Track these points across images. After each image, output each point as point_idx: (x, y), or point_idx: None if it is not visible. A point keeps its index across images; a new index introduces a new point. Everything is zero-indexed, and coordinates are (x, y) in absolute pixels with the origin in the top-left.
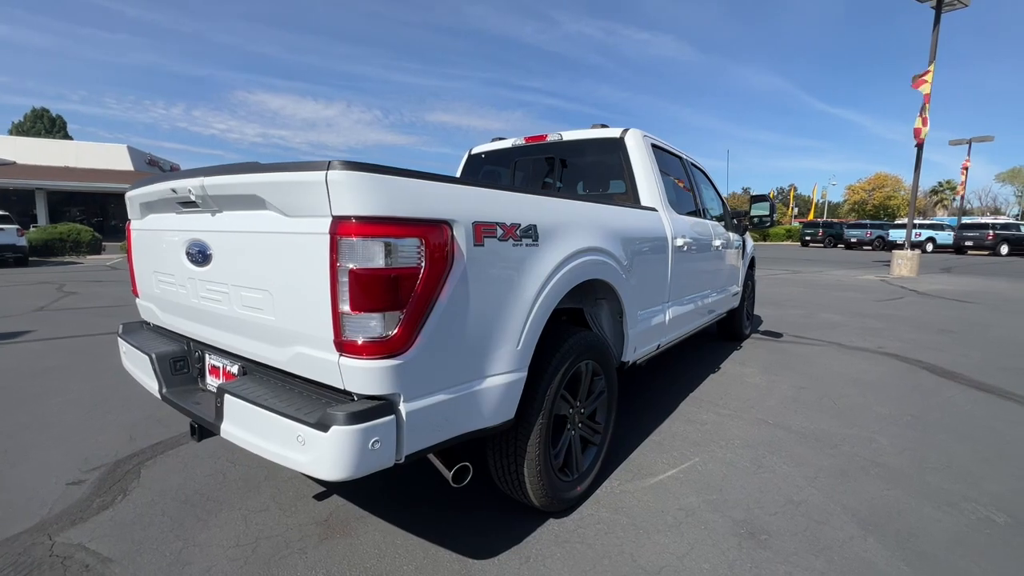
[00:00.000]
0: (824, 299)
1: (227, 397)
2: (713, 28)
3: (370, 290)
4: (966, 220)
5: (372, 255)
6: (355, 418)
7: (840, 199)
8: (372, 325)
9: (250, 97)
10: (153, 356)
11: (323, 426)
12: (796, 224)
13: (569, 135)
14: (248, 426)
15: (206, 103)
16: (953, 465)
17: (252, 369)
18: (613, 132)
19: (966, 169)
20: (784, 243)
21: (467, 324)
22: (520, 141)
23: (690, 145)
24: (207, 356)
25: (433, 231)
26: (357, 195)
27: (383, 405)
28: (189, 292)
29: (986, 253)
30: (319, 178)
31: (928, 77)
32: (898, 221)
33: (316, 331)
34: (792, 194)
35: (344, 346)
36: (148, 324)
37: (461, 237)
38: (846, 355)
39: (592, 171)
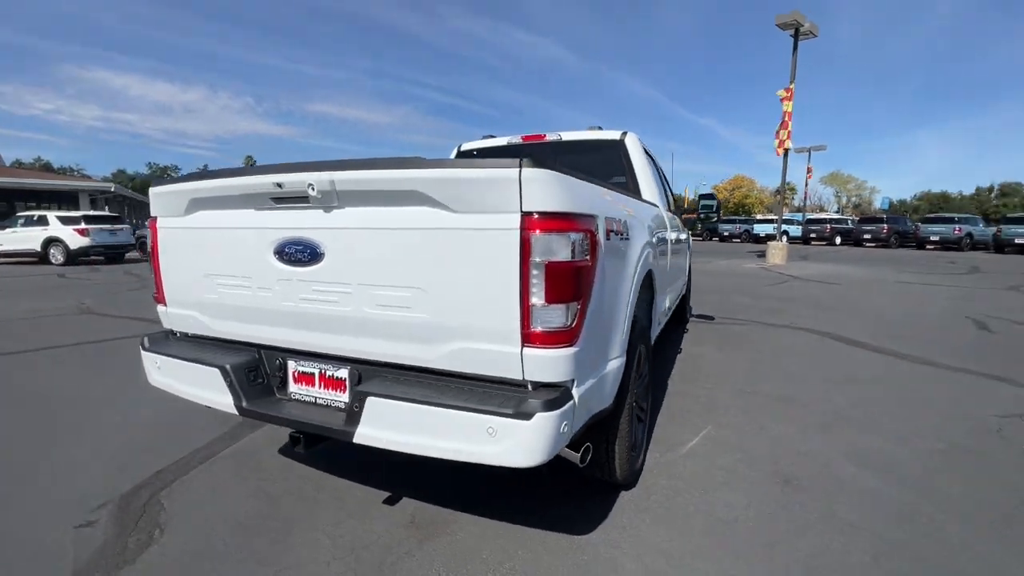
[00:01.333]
0: (727, 284)
1: (371, 400)
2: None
3: (560, 282)
4: (809, 216)
5: (560, 249)
6: (552, 405)
7: None
8: (558, 316)
9: (84, 73)
10: (228, 367)
11: (525, 415)
12: None
13: (569, 135)
14: (402, 426)
15: (20, 77)
16: (896, 413)
17: (370, 371)
18: (613, 134)
19: (810, 172)
20: None
21: (603, 313)
22: (516, 139)
23: None
24: (290, 363)
25: (592, 226)
26: (544, 192)
27: (565, 392)
28: (278, 295)
29: (825, 243)
30: (512, 175)
31: (789, 96)
32: (758, 217)
33: (494, 324)
34: None
35: (531, 337)
36: (178, 334)
37: (600, 233)
38: (772, 331)
39: (593, 171)
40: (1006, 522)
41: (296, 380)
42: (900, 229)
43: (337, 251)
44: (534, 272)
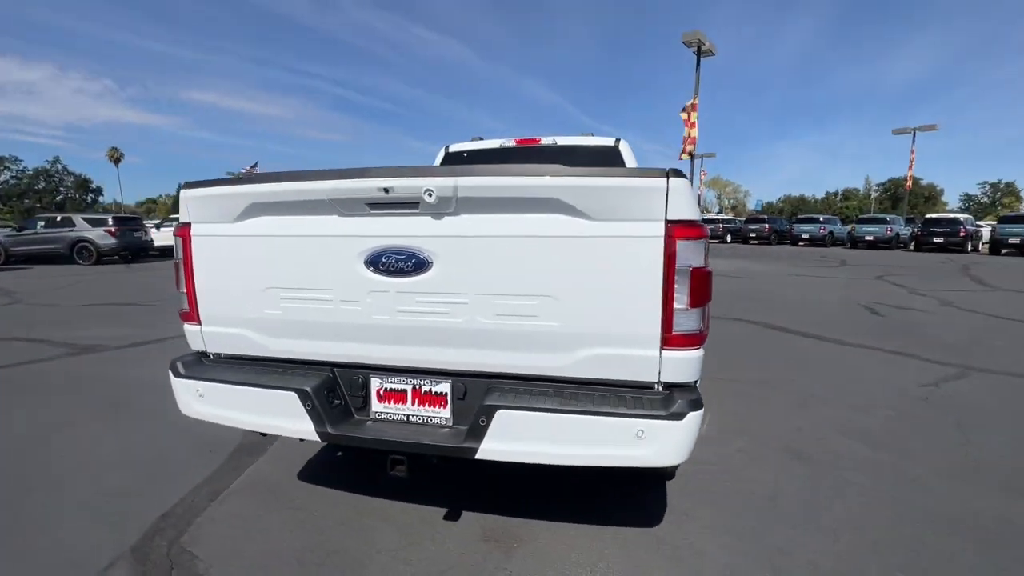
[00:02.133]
0: None
1: (501, 413)
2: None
3: (700, 287)
4: (704, 217)
5: (697, 255)
6: (697, 404)
7: None
8: (695, 319)
9: None
10: (309, 390)
11: (678, 415)
12: None
13: (564, 140)
14: (535, 437)
15: None
16: (847, 389)
17: (477, 384)
18: (607, 140)
19: (704, 175)
20: None
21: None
22: (509, 142)
23: None
24: (374, 380)
25: (707, 232)
26: (684, 201)
27: (695, 390)
28: (368, 307)
29: (717, 240)
30: (660, 184)
31: (694, 108)
32: None
33: (632, 329)
34: None
35: (671, 341)
36: (212, 356)
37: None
38: (714, 323)
39: None
40: (962, 467)
41: (381, 398)
42: (778, 228)
43: (449, 260)
44: (678, 278)
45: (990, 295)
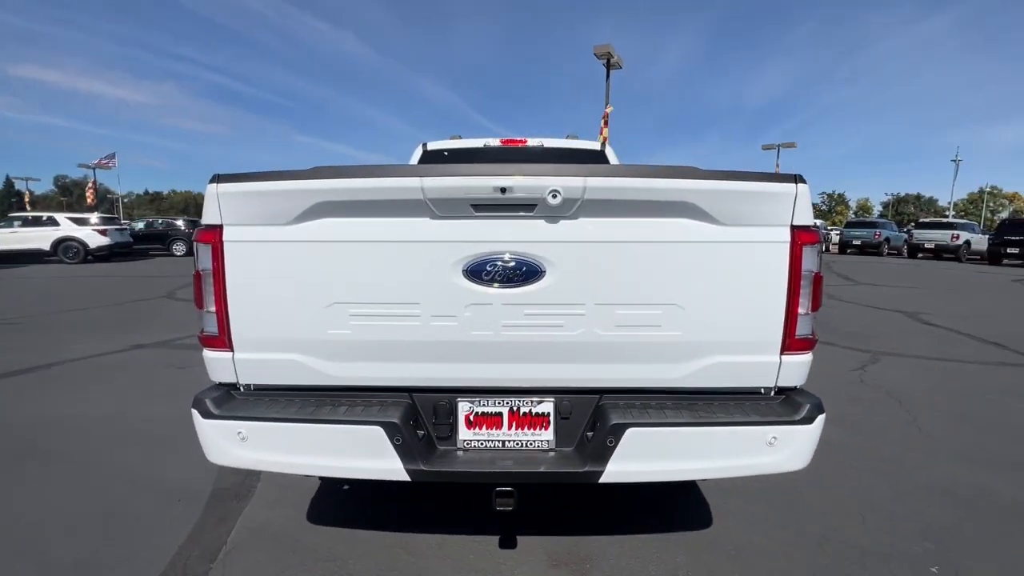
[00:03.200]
0: None
1: (631, 432)
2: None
3: (818, 291)
4: None
5: (816, 260)
6: (820, 408)
7: None
8: (812, 323)
9: None
10: (397, 423)
11: (808, 420)
12: None
13: (550, 142)
14: (664, 454)
15: None
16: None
17: (582, 401)
18: (594, 144)
19: None
20: None
21: None
22: (493, 142)
23: (380, 146)
24: (462, 404)
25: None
26: (807, 207)
27: (809, 394)
28: (467, 323)
29: None
30: (789, 190)
31: (609, 109)
32: None
33: (755, 335)
34: None
35: (792, 345)
36: (243, 388)
37: None
38: None
39: None
40: (921, 443)
41: (471, 424)
42: None
43: (566, 268)
44: (804, 283)
45: (858, 288)
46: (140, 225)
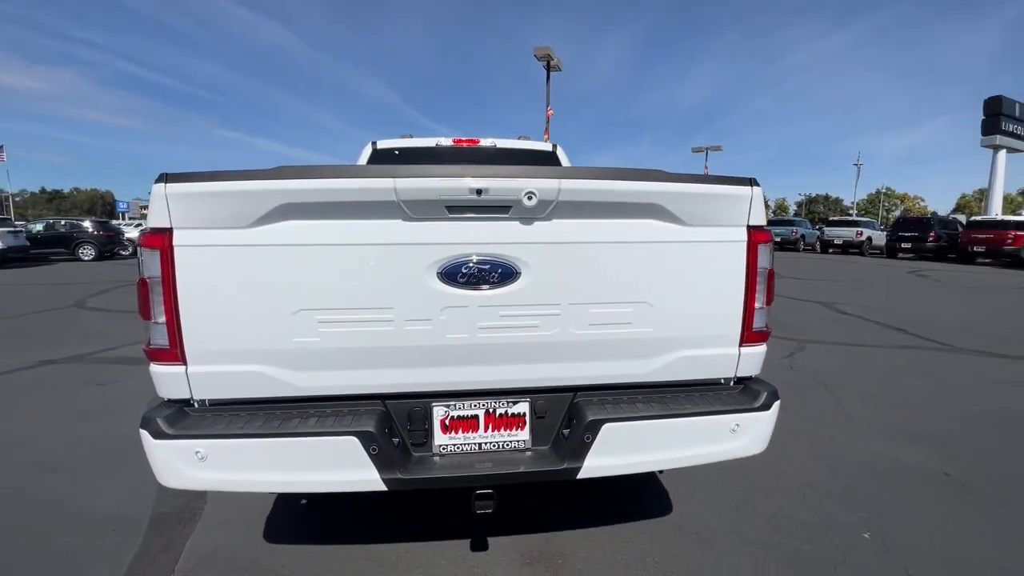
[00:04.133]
0: None
1: (607, 427)
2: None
3: (772, 286)
4: None
5: (769, 257)
6: (775, 394)
7: None
8: (766, 316)
9: None
10: (373, 431)
11: (766, 406)
12: None
13: (503, 143)
14: (637, 447)
15: None
16: None
17: (554, 400)
18: (546, 145)
19: None
20: None
21: None
22: (445, 141)
23: (313, 142)
24: (437, 409)
25: None
26: (760, 207)
27: (763, 382)
28: (442, 326)
29: None
30: (747, 192)
31: (551, 112)
32: None
33: (717, 329)
34: None
35: (749, 338)
36: (197, 404)
37: None
38: None
39: None
40: (845, 422)
41: (447, 429)
42: None
43: (540, 268)
44: (759, 279)
45: (781, 282)
46: (38, 227)
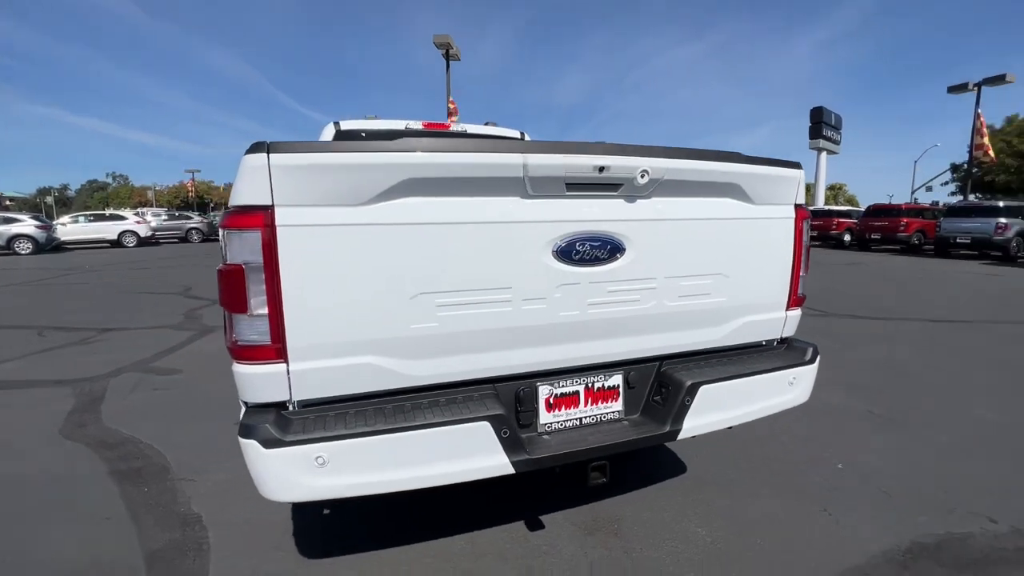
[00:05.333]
0: None
1: (703, 389)
2: None
3: (809, 258)
4: None
5: (808, 232)
6: (817, 349)
7: None
8: (803, 284)
9: None
10: (504, 413)
11: (812, 360)
12: None
13: (472, 128)
14: (722, 405)
15: None
16: None
17: (643, 369)
18: (514, 132)
19: None
20: None
21: None
22: (415, 124)
23: (142, 120)
24: (542, 388)
25: None
26: (802, 188)
27: (799, 340)
28: (556, 304)
29: None
30: (796, 175)
31: (453, 105)
32: None
33: (772, 296)
34: None
35: (793, 303)
36: (292, 406)
37: None
38: None
39: None
40: None
41: (551, 407)
42: None
43: (642, 245)
44: (803, 251)
45: None
46: None
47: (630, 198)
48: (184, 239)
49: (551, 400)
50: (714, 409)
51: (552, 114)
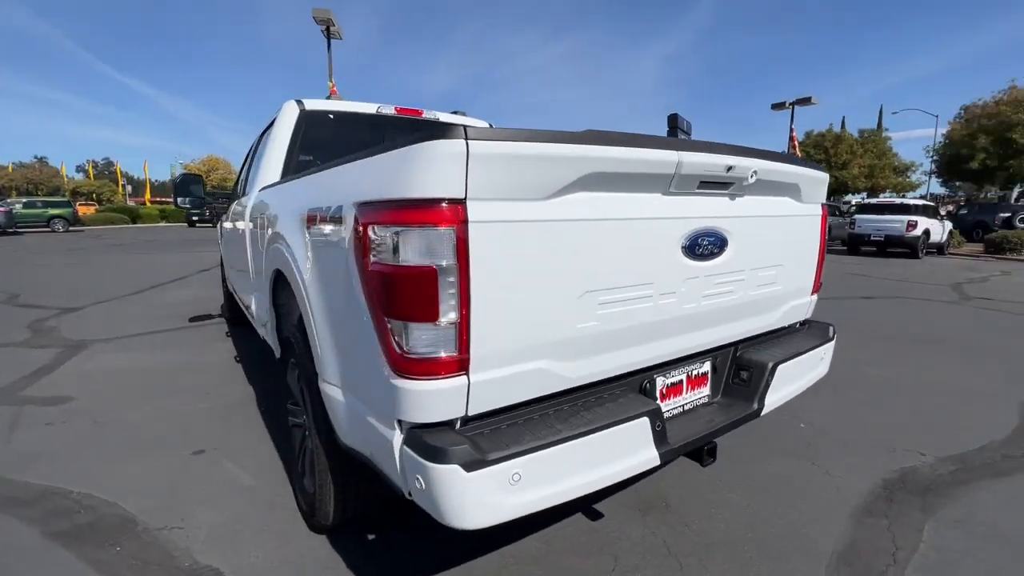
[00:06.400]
0: None
1: (781, 367)
2: None
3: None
4: None
5: (827, 227)
6: (834, 328)
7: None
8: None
9: None
10: (658, 408)
11: (832, 338)
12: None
13: (446, 118)
14: (788, 380)
15: None
16: None
17: (724, 354)
18: (481, 123)
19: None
20: (160, 224)
21: None
22: (387, 109)
23: None
24: (659, 379)
25: None
26: (825, 189)
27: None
28: (681, 298)
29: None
30: (826, 178)
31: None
32: None
33: (805, 284)
34: (119, 170)
35: (815, 288)
36: (460, 422)
37: None
38: None
39: None
40: None
41: (664, 396)
42: None
43: (739, 239)
44: (825, 243)
45: None
46: None
47: (732, 196)
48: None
49: (663, 390)
50: (783, 385)
51: (424, 104)
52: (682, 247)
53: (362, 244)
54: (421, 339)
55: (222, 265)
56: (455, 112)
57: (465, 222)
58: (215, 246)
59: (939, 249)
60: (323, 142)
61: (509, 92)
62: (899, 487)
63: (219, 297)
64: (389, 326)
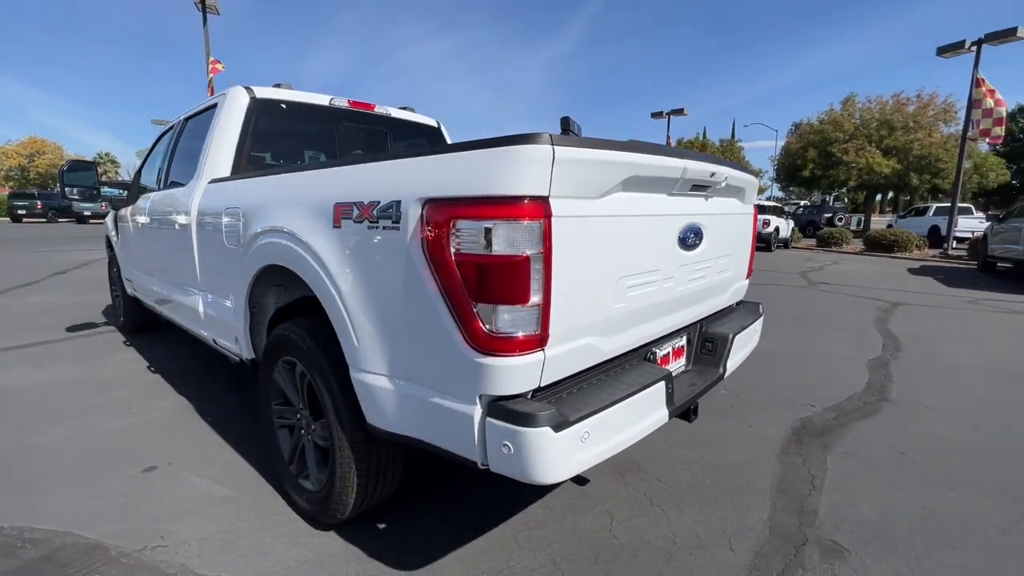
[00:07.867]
0: None
1: (737, 338)
2: None
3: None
4: None
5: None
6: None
7: None
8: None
9: None
10: (672, 372)
11: (762, 313)
12: None
13: (395, 113)
14: (740, 347)
15: None
16: None
17: (693, 329)
18: (431, 120)
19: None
20: None
21: None
22: (340, 101)
23: None
24: (656, 351)
25: None
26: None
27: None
28: (677, 282)
29: None
30: (757, 183)
31: (220, 66)
32: None
33: (744, 270)
34: None
35: (748, 274)
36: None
37: None
38: None
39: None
40: None
41: (661, 365)
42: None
43: (711, 232)
44: (755, 237)
45: None
46: None
47: (707, 197)
48: None
49: (659, 360)
50: (736, 353)
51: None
52: (678, 239)
53: (441, 237)
54: (509, 320)
55: (113, 266)
56: (403, 108)
57: (550, 216)
58: (60, 244)
59: (785, 243)
60: (276, 132)
61: (396, 85)
62: (803, 432)
63: (90, 303)
64: (475, 310)
